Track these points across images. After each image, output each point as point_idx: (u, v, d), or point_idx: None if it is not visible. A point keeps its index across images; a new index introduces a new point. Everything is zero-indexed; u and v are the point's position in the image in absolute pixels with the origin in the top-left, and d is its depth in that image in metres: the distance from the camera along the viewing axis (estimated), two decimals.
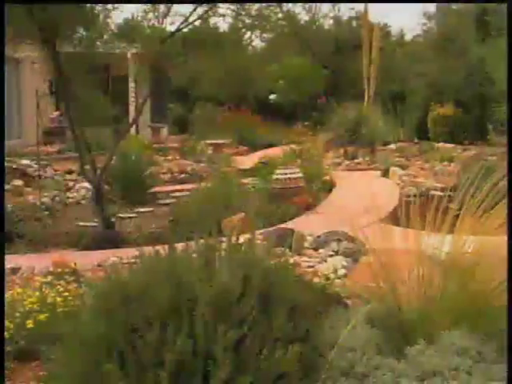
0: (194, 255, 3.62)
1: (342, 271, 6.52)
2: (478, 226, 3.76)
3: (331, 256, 7.29)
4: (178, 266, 3.43)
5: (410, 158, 18.81)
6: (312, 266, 6.75)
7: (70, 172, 14.42)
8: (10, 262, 6.62)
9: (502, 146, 16.98)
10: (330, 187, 13.91)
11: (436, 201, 3.92)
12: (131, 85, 21.60)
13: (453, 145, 21.48)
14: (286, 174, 12.30)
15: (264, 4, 12.45)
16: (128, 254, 6.92)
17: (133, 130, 19.72)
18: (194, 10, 10.81)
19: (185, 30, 11.28)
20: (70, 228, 10.22)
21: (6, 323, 4.23)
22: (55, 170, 14.57)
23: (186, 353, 3.03)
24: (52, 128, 19.06)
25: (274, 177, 12.35)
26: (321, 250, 7.54)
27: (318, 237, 7.96)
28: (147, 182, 13.43)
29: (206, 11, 11.13)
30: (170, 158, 18.51)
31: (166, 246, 3.66)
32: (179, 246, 3.69)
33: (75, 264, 6.20)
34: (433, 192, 12.17)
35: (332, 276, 5.99)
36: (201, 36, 12.40)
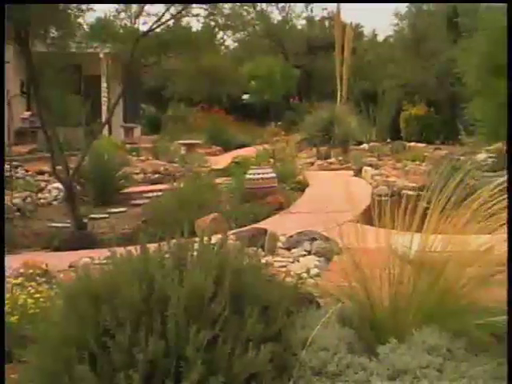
0: (167, 255, 3.62)
1: (314, 271, 6.54)
2: (445, 224, 3.81)
3: (304, 256, 7.31)
4: (150, 267, 3.42)
5: (383, 158, 18.97)
6: (285, 266, 6.77)
7: (42, 173, 14.29)
8: None
9: (471, 146, 17.20)
10: (303, 187, 13.96)
11: (407, 200, 3.95)
12: (104, 85, 21.50)
13: (424, 144, 21.69)
14: (259, 173, 12.31)
15: (237, 4, 12.48)
16: (100, 254, 6.89)
17: (105, 130, 19.59)
18: (167, 10, 10.80)
19: (158, 29, 11.26)
20: (42, 229, 10.15)
21: None
22: (27, 171, 14.44)
23: (157, 353, 3.03)
24: (23, 128, 18.88)
25: (247, 177, 12.36)
26: (294, 250, 7.56)
27: (291, 236, 7.97)
28: (120, 182, 13.37)
29: (179, 11, 11.13)
30: (142, 158, 18.45)
31: (139, 247, 3.65)
32: (151, 246, 3.68)
33: (46, 265, 6.16)
34: (404, 191, 12.27)
35: (305, 275, 6.02)
36: (174, 36, 12.39)
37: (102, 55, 20.11)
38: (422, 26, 26.45)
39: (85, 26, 11.63)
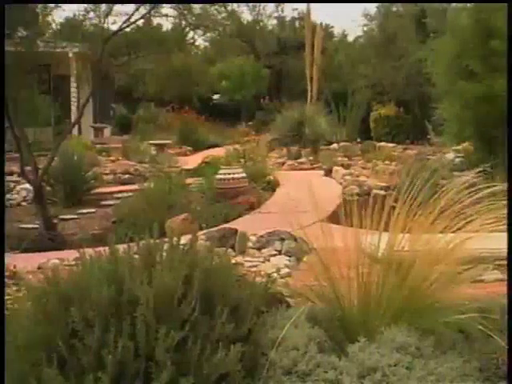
0: (136, 256, 3.61)
1: (284, 270, 6.57)
2: (413, 223, 3.84)
3: (274, 255, 7.33)
4: (119, 268, 3.40)
5: (353, 158, 19.05)
6: (255, 266, 6.78)
7: (11, 173, 14.14)
8: None
9: (439, 146, 17.38)
10: (273, 187, 13.98)
11: (377, 199, 3.98)
12: (73, 85, 21.34)
13: (394, 144, 21.83)
14: (229, 174, 12.30)
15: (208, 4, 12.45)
16: (69, 255, 6.85)
17: (75, 130, 19.47)
18: (137, 9, 10.74)
19: (127, 29, 11.20)
20: (11, 230, 10.03)
21: None
22: None
23: (127, 355, 3.02)
24: None
25: (218, 177, 12.34)
26: (264, 250, 7.57)
27: (262, 236, 7.98)
28: (90, 182, 13.28)
29: (149, 10, 11.07)
30: (112, 158, 18.33)
31: (108, 248, 3.63)
32: (121, 247, 3.67)
33: (15, 267, 6.10)
34: (374, 191, 12.35)
35: (275, 275, 6.04)
36: (143, 36, 12.34)
37: (71, 55, 19.95)
38: (390, 27, 26.63)
39: (53, 26, 11.55)
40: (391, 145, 21.56)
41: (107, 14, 11.06)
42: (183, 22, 13.55)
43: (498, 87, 11.45)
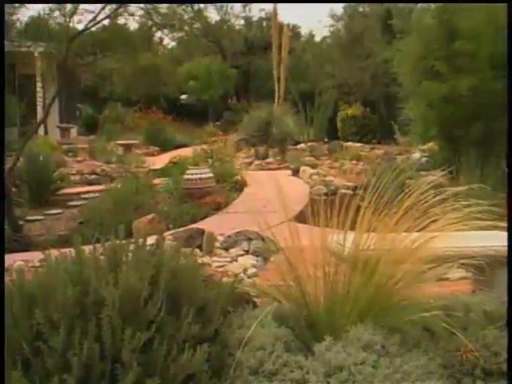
0: (102, 257, 3.59)
1: (252, 270, 6.58)
2: (378, 222, 3.87)
3: (242, 255, 7.34)
4: (85, 269, 3.38)
5: (320, 158, 19.14)
6: (223, 266, 6.78)
7: None
8: None
9: (405, 145, 17.54)
10: (241, 187, 13.99)
11: (344, 199, 4.00)
12: (39, 84, 21.15)
13: (361, 144, 21.98)
14: (196, 174, 12.28)
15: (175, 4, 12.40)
16: (35, 257, 6.78)
17: (41, 130, 19.29)
18: (103, 8, 10.67)
19: (93, 28, 11.12)
20: None
21: None
22: None
23: (92, 356, 3.00)
24: None
25: (185, 177, 12.31)
26: (231, 250, 7.58)
27: (229, 236, 7.99)
28: (56, 183, 13.14)
29: (115, 10, 11.01)
30: (79, 158, 18.20)
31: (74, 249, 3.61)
32: (87, 248, 3.64)
33: None
34: (342, 190, 12.44)
35: (242, 275, 6.05)
36: (109, 35, 12.25)
37: (36, 54, 19.77)
38: (357, 27, 26.79)
39: (18, 25, 11.43)
40: (358, 144, 21.71)
41: (73, 13, 10.98)
42: (150, 22, 13.47)
43: (461, 87, 11.58)
